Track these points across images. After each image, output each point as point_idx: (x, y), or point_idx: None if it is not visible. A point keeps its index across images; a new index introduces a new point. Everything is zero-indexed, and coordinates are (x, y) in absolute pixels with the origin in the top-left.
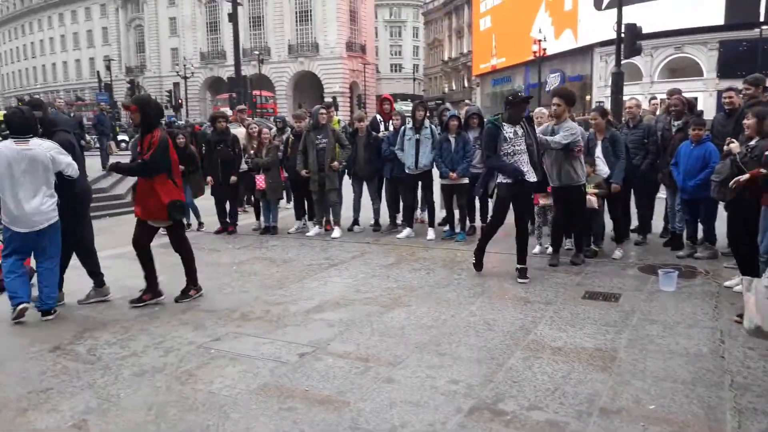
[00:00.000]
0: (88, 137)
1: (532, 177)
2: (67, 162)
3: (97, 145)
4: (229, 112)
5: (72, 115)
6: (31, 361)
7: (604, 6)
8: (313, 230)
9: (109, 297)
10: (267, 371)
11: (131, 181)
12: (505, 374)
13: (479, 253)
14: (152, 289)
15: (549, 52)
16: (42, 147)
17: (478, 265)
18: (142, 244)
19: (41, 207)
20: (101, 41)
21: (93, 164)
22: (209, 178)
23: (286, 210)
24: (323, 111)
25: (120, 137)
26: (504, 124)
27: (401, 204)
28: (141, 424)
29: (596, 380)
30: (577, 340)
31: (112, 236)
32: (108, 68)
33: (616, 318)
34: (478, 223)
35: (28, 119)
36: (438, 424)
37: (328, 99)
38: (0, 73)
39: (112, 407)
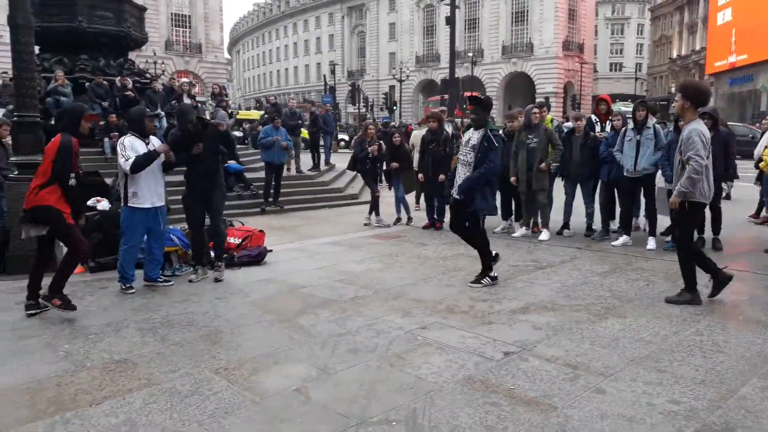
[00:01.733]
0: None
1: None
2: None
3: (322, 142)
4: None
5: (301, 112)
6: (262, 329)
7: None
8: (520, 231)
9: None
10: (472, 364)
11: (349, 175)
12: (738, 402)
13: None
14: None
15: None
16: None
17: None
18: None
19: None
20: (327, 47)
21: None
22: (420, 175)
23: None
24: (536, 110)
25: (340, 136)
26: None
27: (617, 209)
28: (353, 397)
29: None
30: None
31: (333, 225)
32: (332, 72)
33: None
34: (707, 234)
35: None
36: None
37: (540, 100)
38: (244, 77)
39: (329, 378)
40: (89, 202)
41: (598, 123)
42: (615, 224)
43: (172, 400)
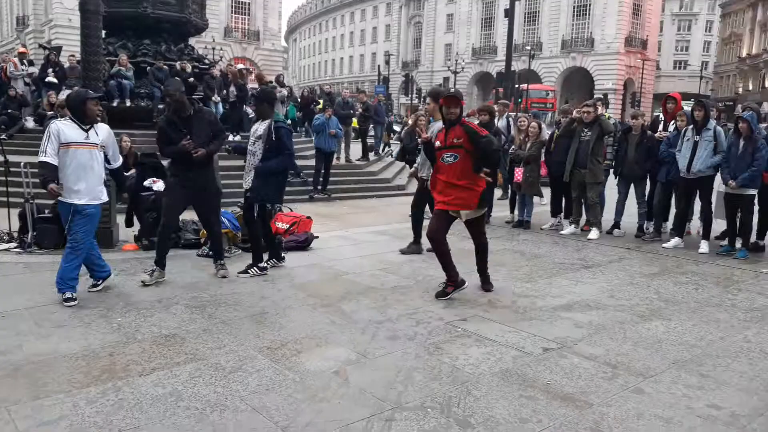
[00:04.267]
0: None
1: (246, 183)
2: None
3: (371, 132)
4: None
5: (353, 102)
6: (306, 312)
7: None
8: (568, 229)
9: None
10: (510, 358)
11: (398, 166)
12: None
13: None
14: (453, 279)
15: None
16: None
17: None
18: (439, 238)
19: None
20: (383, 37)
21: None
22: None
23: (541, 206)
24: (588, 109)
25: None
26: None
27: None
28: (390, 382)
29: None
30: None
31: (379, 215)
32: (387, 63)
33: None
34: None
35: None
36: None
37: (598, 96)
38: (299, 66)
39: (367, 363)
40: (146, 183)
41: (663, 122)
42: (668, 226)
43: (217, 375)
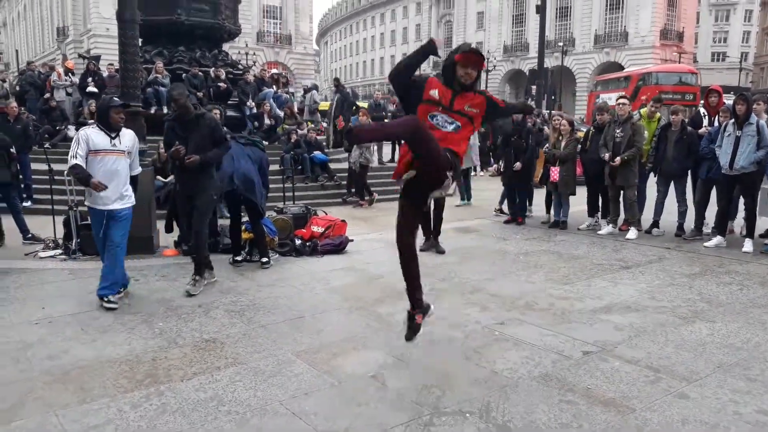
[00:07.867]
0: None
1: None
2: None
3: None
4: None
5: (386, 104)
6: (343, 315)
7: None
8: (606, 228)
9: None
10: (549, 362)
11: None
12: None
13: None
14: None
15: None
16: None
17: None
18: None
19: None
20: (414, 38)
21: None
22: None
23: (578, 206)
24: (624, 101)
25: None
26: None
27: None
28: (428, 386)
29: None
30: None
31: None
32: None
33: None
34: None
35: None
36: None
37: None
38: (331, 69)
39: (404, 367)
40: None
41: (707, 116)
42: (709, 225)
43: (257, 380)
